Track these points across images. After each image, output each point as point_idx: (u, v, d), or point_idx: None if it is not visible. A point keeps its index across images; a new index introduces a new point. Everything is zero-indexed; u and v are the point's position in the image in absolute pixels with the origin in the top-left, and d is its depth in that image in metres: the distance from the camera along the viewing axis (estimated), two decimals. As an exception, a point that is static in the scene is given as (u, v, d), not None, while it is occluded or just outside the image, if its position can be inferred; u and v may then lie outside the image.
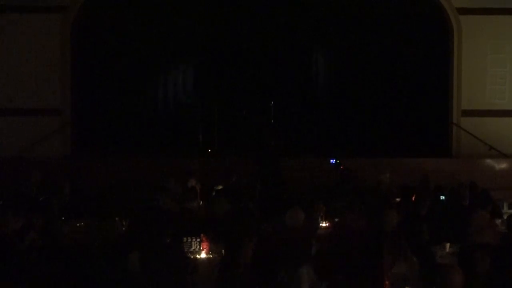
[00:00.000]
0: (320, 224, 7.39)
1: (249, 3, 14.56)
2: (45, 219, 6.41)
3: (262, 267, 5.52)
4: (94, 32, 13.44)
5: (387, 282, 4.80)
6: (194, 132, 14.64)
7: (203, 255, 6.15)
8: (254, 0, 14.52)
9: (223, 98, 15.70)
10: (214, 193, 9.16)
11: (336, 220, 7.26)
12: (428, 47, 13.50)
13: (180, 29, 16.19)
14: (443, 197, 8.47)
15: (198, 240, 6.20)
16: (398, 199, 8.58)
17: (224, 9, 14.74)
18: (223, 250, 5.97)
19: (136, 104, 16.13)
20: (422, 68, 13.51)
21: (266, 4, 14.48)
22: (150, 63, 16.18)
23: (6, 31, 12.98)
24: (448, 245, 6.31)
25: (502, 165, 12.47)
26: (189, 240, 6.20)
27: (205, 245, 6.20)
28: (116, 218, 6.97)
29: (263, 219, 7.02)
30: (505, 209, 10.50)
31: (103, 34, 13.61)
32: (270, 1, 14.46)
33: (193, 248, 6.21)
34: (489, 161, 12.54)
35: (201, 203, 8.25)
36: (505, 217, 7.96)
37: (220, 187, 9.42)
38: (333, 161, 10.88)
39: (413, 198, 8.30)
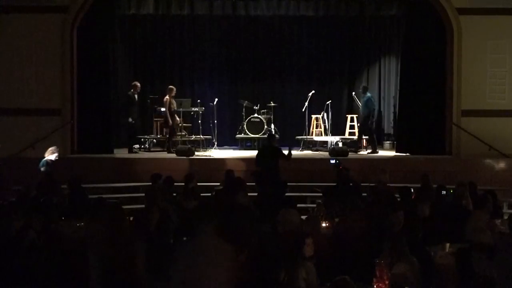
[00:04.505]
0: (320, 224, 7.38)
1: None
2: (45, 219, 6.41)
3: (261, 267, 5.52)
4: (94, 32, 13.44)
5: (387, 282, 4.80)
6: (194, 130, 14.67)
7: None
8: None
9: (223, 97, 15.75)
10: (214, 193, 9.16)
11: (336, 220, 7.25)
12: (428, 47, 13.50)
13: (179, 28, 16.24)
14: (444, 191, 8.44)
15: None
16: (398, 199, 8.57)
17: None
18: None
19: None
20: (422, 68, 13.50)
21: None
22: (149, 62, 16.24)
23: (6, 31, 12.99)
24: (448, 245, 6.31)
25: (502, 165, 12.48)
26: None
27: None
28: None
29: (262, 219, 7.02)
30: (505, 209, 10.52)
31: (103, 33, 13.60)
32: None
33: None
34: (489, 161, 12.55)
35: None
36: (505, 217, 7.98)
37: (220, 187, 9.41)
38: (333, 161, 10.88)
39: (413, 198, 8.30)
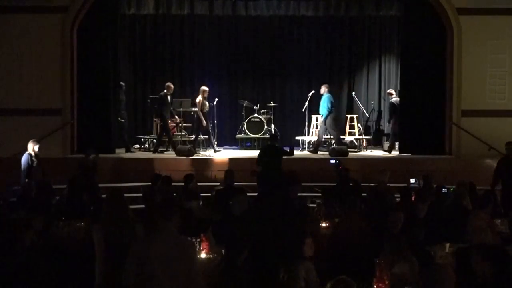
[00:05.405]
0: (320, 224, 7.39)
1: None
2: (45, 219, 6.41)
3: (261, 267, 5.52)
4: (94, 32, 13.44)
5: (387, 282, 4.80)
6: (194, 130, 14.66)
7: (203, 255, 6.14)
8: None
9: (223, 97, 15.75)
10: (214, 193, 9.17)
11: (336, 220, 7.26)
12: (428, 47, 13.50)
13: (179, 28, 16.23)
14: (445, 190, 8.45)
15: (198, 240, 6.18)
16: (398, 199, 8.57)
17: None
18: (223, 250, 5.97)
19: (136, 104, 16.18)
20: (422, 68, 13.50)
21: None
22: (149, 62, 16.24)
23: (6, 31, 12.99)
24: (448, 245, 6.31)
25: (502, 165, 12.45)
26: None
27: (205, 245, 6.19)
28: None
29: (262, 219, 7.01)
30: (505, 209, 10.49)
31: (103, 33, 13.60)
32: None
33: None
34: (489, 161, 12.53)
35: (201, 203, 8.24)
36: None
37: (220, 187, 9.42)
38: (333, 161, 10.89)
39: (413, 198, 8.30)
